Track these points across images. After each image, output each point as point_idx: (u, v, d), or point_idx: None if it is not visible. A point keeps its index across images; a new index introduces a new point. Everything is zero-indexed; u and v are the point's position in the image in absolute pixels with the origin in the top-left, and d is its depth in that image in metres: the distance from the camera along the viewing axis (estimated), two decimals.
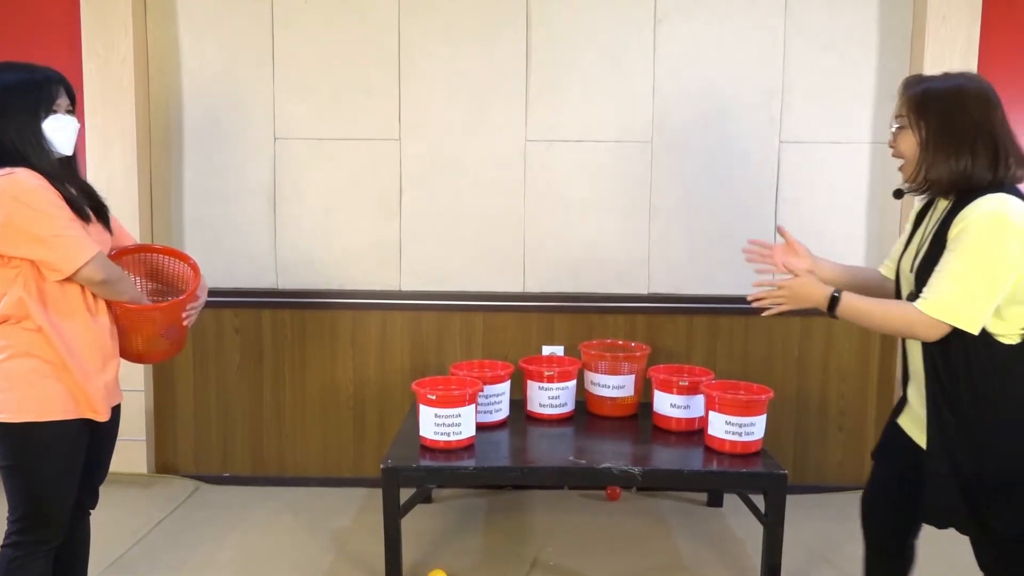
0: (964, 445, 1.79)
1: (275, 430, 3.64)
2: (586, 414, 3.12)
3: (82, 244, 1.92)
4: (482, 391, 2.82)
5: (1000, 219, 1.70)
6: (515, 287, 3.55)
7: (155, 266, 2.29)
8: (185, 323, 2.18)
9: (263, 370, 3.61)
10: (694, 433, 2.87)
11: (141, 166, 3.48)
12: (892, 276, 2.06)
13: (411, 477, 2.60)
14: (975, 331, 1.73)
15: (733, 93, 3.45)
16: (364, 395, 3.61)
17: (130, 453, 3.54)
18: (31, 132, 1.93)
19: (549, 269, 3.54)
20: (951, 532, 1.90)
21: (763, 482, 2.55)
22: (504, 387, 2.99)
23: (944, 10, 3.30)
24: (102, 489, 2.22)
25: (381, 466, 2.56)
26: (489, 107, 3.47)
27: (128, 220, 3.39)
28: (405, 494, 2.67)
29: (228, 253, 3.56)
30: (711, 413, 2.72)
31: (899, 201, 3.49)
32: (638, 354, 3.14)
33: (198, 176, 3.55)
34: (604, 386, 3.07)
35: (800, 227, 3.48)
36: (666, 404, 2.91)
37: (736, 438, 2.67)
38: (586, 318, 3.51)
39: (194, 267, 2.25)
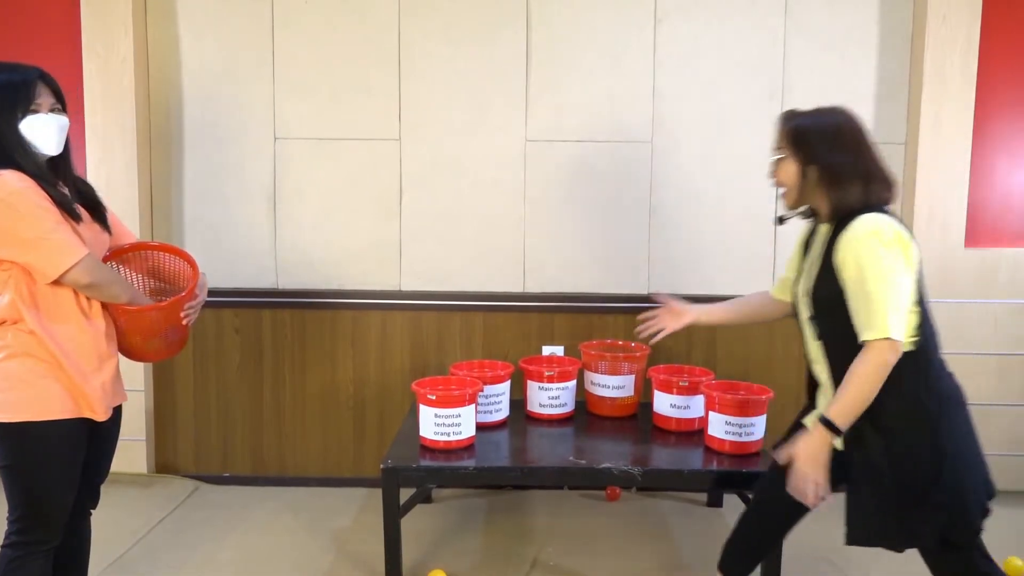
0: (877, 452, 1.91)
1: (275, 430, 3.64)
2: (586, 414, 3.12)
3: (68, 247, 1.89)
4: (482, 391, 2.82)
5: (877, 235, 1.86)
6: (515, 287, 3.55)
7: (155, 264, 2.28)
8: (184, 323, 2.16)
9: (263, 370, 3.61)
10: (694, 433, 2.87)
11: (141, 166, 3.48)
12: (786, 298, 2.24)
13: (411, 477, 2.59)
14: (902, 338, 1.85)
15: (733, 93, 3.45)
16: (364, 395, 3.61)
17: (130, 453, 3.54)
18: (13, 133, 1.90)
19: (549, 269, 3.54)
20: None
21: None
22: (504, 387, 2.99)
23: (944, 10, 3.31)
24: (102, 489, 2.21)
25: (381, 466, 2.56)
26: (489, 107, 3.47)
27: (128, 220, 3.38)
28: (405, 494, 2.67)
29: (228, 253, 3.56)
30: (711, 413, 2.72)
31: (898, 201, 3.51)
32: (638, 354, 3.14)
33: (198, 176, 3.55)
34: (604, 386, 3.07)
35: (799, 227, 3.50)
36: (666, 404, 2.91)
37: (736, 438, 2.67)
38: (586, 318, 3.51)
39: (192, 264, 2.23)
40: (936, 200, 3.39)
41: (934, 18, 3.32)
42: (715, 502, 3.41)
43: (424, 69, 3.47)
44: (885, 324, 1.83)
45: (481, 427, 2.87)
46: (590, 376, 3.11)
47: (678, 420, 2.90)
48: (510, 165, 3.50)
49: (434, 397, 2.66)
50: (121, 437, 2.21)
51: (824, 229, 2.03)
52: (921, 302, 1.94)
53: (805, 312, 2.07)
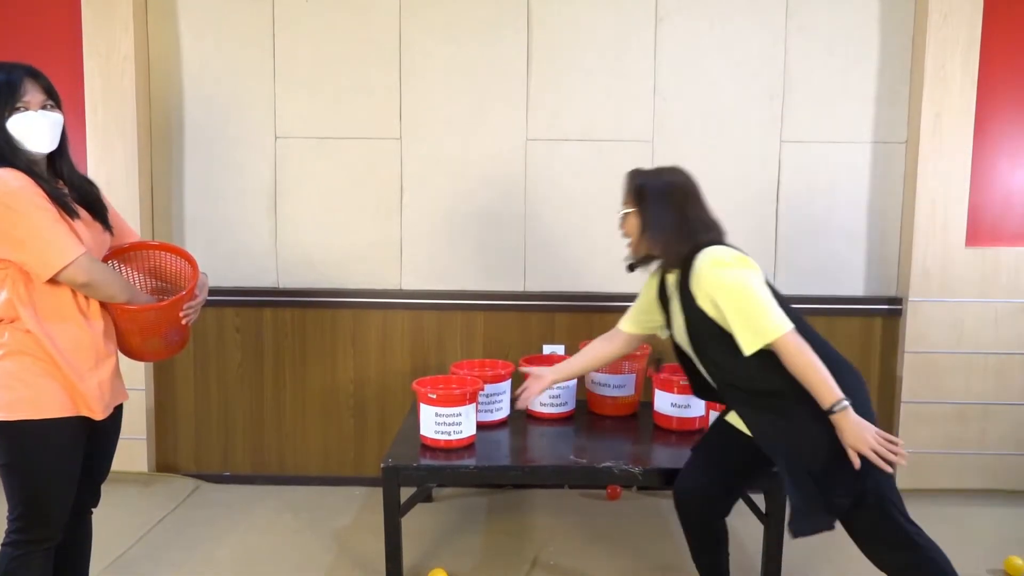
0: (786, 436, 2.11)
1: (276, 429, 3.64)
2: (587, 413, 3.12)
3: (63, 246, 1.88)
4: (483, 390, 2.82)
5: (716, 263, 2.12)
6: (516, 286, 3.55)
7: (156, 263, 2.27)
8: (184, 322, 2.15)
9: (264, 369, 3.61)
10: (695, 432, 2.87)
11: (142, 165, 3.48)
12: (638, 331, 2.53)
13: (412, 476, 2.59)
14: (790, 326, 2.05)
15: (734, 93, 3.45)
16: (365, 394, 3.61)
17: (131, 452, 3.54)
18: (3, 133, 1.89)
19: (550, 268, 3.54)
20: None
21: (764, 482, 2.55)
22: (505, 386, 2.99)
23: (945, 9, 3.30)
24: (103, 488, 2.21)
25: (381, 465, 2.56)
26: (490, 106, 3.47)
27: (129, 219, 3.35)
28: (405, 493, 2.67)
29: (229, 252, 3.56)
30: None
31: (899, 201, 3.52)
32: (639, 353, 3.13)
33: (199, 175, 3.55)
34: (605, 385, 3.07)
35: (800, 227, 3.51)
36: (667, 403, 2.91)
37: None
38: (587, 317, 3.51)
39: (193, 264, 2.23)
40: (937, 199, 3.39)
41: (935, 17, 3.32)
42: None
43: (425, 68, 3.47)
44: (770, 325, 2.05)
45: (482, 426, 2.87)
46: (591, 375, 3.10)
47: (679, 419, 2.90)
48: (511, 164, 3.50)
49: (435, 396, 2.66)
50: (122, 436, 2.21)
51: (671, 278, 2.29)
52: (778, 297, 2.15)
53: (695, 354, 2.29)
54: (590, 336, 3.39)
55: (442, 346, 3.57)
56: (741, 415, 2.22)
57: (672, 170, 2.33)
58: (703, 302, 2.14)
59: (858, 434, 2.01)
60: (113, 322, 2.07)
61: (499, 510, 3.36)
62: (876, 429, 2.03)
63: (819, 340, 2.16)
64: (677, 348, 2.40)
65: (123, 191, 3.43)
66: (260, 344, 3.60)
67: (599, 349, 2.63)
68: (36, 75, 1.96)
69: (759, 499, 2.70)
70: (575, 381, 3.08)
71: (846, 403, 2.02)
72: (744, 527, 3.12)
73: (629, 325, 2.55)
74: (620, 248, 2.40)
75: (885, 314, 3.52)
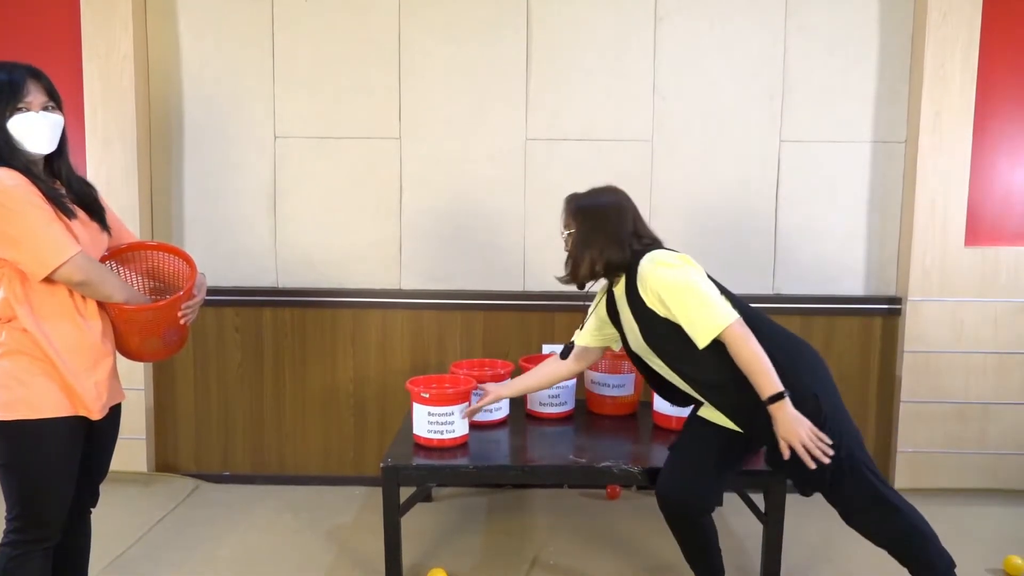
0: (766, 416, 2.17)
1: (275, 429, 3.65)
2: (586, 413, 3.12)
3: (58, 245, 1.88)
4: (476, 389, 2.82)
5: (658, 264, 2.25)
6: (515, 286, 3.55)
7: (154, 264, 2.27)
8: (182, 322, 2.15)
9: (263, 369, 3.61)
10: None
11: (141, 165, 3.48)
12: (593, 343, 2.63)
13: (411, 476, 2.59)
14: (735, 316, 2.17)
15: (733, 92, 3.45)
16: (364, 394, 3.61)
17: (130, 451, 3.54)
18: (3, 132, 1.89)
19: (549, 268, 3.53)
20: None
21: (763, 481, 2.55)
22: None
23: (945, 8, 3.30)
24: (102, 487, 2.21)
25: (381, 465, 2.56)
26: (489, 106, 3.47)
27: (128, 219, 3.38)
28: (405, 493, 2.67)
29: (228, 252, 3.57)
30: None
31: (899, 200, 3.52)
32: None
33: (198, 175, 3.55)
34: (604, 385, 3.07)
35: (800, 226, 3.51)
36: (666, 403, 2.90)
37: None
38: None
39: (190, 263, 2.23)
40: (936, 199, 3.39)
41: (934, 17, 3.32)
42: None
43: (424, 68, 3.47)
44: (715, 320, 2.16)
45: (481, 426, 2.88)
46: (590, 375, 3.10)
47: (678, 419, 2.89)
48: (511, 164, 3.50)
49: (427, 396, 2.66)
50: (121, 435, 2.21)
51: (618, 290, 2.42)
52: (722, 290, 2.29)
53: (652, 360, 2.40)
54: None
55: (442, 346, 3.57)
56: (718, 405, 2.31)
57: (606, 190, 2.49)
58: (652, 302, 2.26)
59: (792, 427, 2.12)
60: (111, 323, 2.07)
61: (499, 510, 3.36)
62: (810, 425, 2.14)
63: (770, 326, 2.32)
64: (637, 359, 2.49)
65: (123, 191, 3.43)
66: (260, 344, 3.60)
67: (553, 367, 2.72)
68: (38, 76, 1.96)
69: (759, 499, 2.70)
70: (574, 381, 3.09)
71: (786, 396, 2.12)
72: (744, 527, 3.12)
73: (585, 339, 2.64)
74: None
75: (884, 313, 3.52)
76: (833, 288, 3.53)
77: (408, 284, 3.57)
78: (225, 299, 3.53)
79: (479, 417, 2.86)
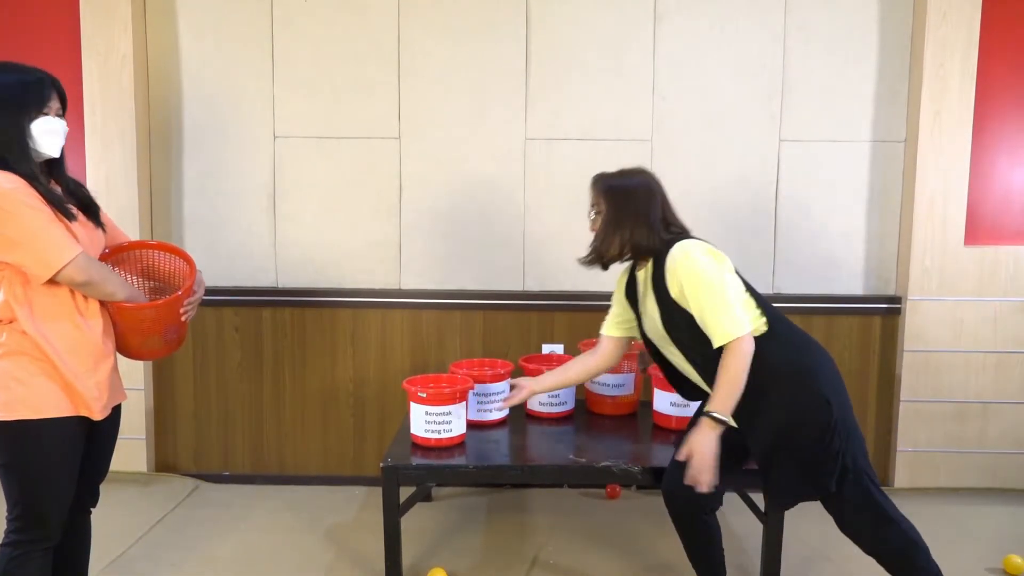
0: (776, 421, 2.19)
1: (275, 428, 3.65)
2: (586, 412, 3.12)
3: (60, 246, 1.89)
4: (473, 389, 2.82)
5: (687, 256, 2.22)
6: (515, 286, 3.55)
7: (150, 264, 2.27)
8: (183, 319, 2.16)
9: (263, 368, 3.61)
10: None
11: (141, 165, 3.48)
12: (621, 334, 2.59)
13: (411, 475, 2.59)
14: (747, 330, 2.16)
15: (733, 92, 3.45)
16: (364, 393, 3.61)
17: (130, 451, 3.54)
18: (15, 134, 1.90)
19: (549, 267, 3.54)
20: None
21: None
22: (504, 385, 2.98)
23: (944, 8, 3.30)
24: (102, 487, 2.21)
25: (381, 464, 2.56)
26: (489, 105, 3.47)
27: (128, 219, 3.40)
28: (405, 493, 2.67)
29: (228, 252, 3.56)
30: None
31: (898, 200, 3.52)
32: (638, 352, 3.14)
33: (198, 175, 3.55)
34: (604, 384, 3.07)
35: (800, 226, 3.51)
36: (666, 403, 2.90)
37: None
38: (586, 317, 3.51)
39: (189, 262, 2.23)
40: (936, 198, 3.39)
41: (934, 17, 3.32)
42: None
43: (424, 67, 3.47)
44: (727, 328, 2.14)
45: (481, 425, 2.87)
46: None
47: (678, 418, 2.89)
48: (510, 163, 3.50)
49: (424, 395, 2.66)
50: (121, 436, 2.21)
51: (642, 274, 2.39)
52: (748, 288, 2.30)
53: (664, 348, 2.39)
54: (589, 335, 3.42)
55: (441, 345, 3.57)
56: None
57: (636, 171, 2.45)
58: (676, 293, 2.24)
59: (703, 447, 2.17)
60: (112, 322, 2.07)
61: (498, 509, 3.36)
62: (712, 463, 2.16)
63: (789, 327, 2.32)
64: (651, 347, 2.47)
65: (122, 191, 3.43)
66: (259, 344, 3.60)
67: (585, 361, 2.69)
68: (57, 83, 2.01)
69: (758, 499, 2.70)
70: None
71: (724, 426, 2.17)
72: (744, 527, 3.12)
73: (611, 329, 2.61)
74: None
75: (884, 313, 3.52)
76: (833, 287, 3.54)
77: (408, 284, 3.57)
78: (225, 299, 3.53)
79: (478, 417, 2.85)
